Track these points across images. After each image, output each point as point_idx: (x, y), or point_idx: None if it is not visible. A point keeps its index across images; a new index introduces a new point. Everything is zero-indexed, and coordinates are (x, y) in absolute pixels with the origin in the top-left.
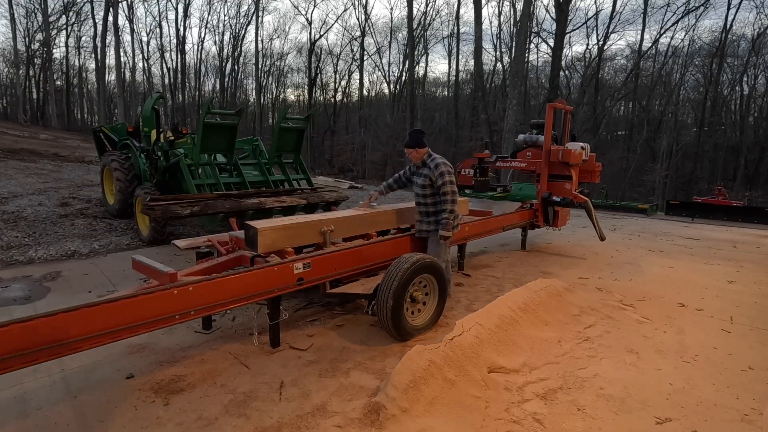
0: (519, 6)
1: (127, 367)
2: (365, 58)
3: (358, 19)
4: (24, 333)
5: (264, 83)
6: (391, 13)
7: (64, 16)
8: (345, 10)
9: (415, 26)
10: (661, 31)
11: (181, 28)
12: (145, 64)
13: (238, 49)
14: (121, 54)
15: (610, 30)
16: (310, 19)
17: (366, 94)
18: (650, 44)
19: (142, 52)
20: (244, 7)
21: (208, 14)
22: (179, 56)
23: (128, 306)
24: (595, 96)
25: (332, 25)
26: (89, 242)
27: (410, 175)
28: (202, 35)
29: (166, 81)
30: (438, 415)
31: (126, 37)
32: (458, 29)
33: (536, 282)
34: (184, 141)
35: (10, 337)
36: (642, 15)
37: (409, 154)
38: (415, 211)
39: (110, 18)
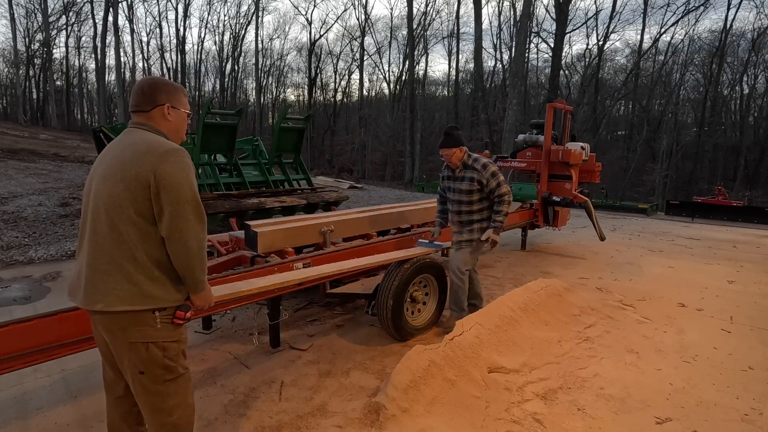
0: (519, 6)
1: None
2: (365, 58)
3: (358, 19)
4: (24, 333)
5: (264, 83)
6: (391, 13)
7: (64, 16)
8: (345, 10)
9: (415, 26)
10: (661, 31)
11: (181, 28)
12: (145, 64)
13: (238, 49)
14: (121, 54)
15: (610, 30)
16: (310, 19)
17: (366, 94)
18: (650, 44)
19: (142, 52)
20: (244, 7)
21: (208, 14)
22: (179, 56)
23: None
24: (595, 96)
25: (332, 25)
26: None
27: (446, 182)
28: (202, 35)
29: None
30: (438, 415)
31: (126, 37)
32: (458, 29)
33: (536, 282)
34: (185, 141)
35: (10, 337)
36: (642, 15)
37: (449, 156)
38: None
39: (110, 18)
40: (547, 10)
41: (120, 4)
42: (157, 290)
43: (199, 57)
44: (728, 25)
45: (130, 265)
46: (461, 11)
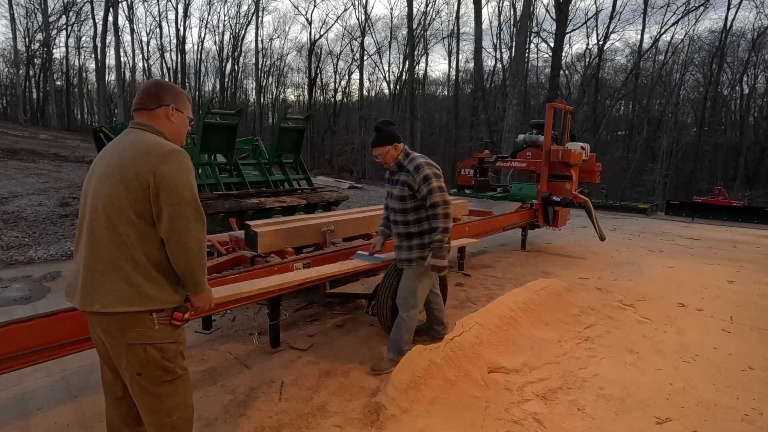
0: (519, 6)
1: None
2: (365, 58)
3: (358, 19)
4: (24, 333)
5: (264, 83)
6: (391, 13)
7: (64, 16)
8: (345, 10)
9: (415, 26)
10: (661, 31)
11: (181, 28)
12: (145, 64)
13: (238, 49)
14: (121, 54)
15: (610, 30)
16: (310, 19)
17: (366, 94)
18: (650, 44)
19: (142, 52)
20: (244, 7)
21: (208, 14)
22: (179, 56)
23: None
24: (595, 96)
25: (332, 25)
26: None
27: (386, 186)
28: (202, 35)
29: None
30: (438, 415)
31: (126, 37)
32: (458, 29)
33: (536, 282)
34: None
35: (10, 337)
36: (642, 15)
37: (382, 156)
38: None
39: (110, 18)
40: (547, 10)
41: (120, 4)
42: (155, 291)
43: (199, 57)
44: (728, 25)
45: (129, 266)
46: (461, 11)
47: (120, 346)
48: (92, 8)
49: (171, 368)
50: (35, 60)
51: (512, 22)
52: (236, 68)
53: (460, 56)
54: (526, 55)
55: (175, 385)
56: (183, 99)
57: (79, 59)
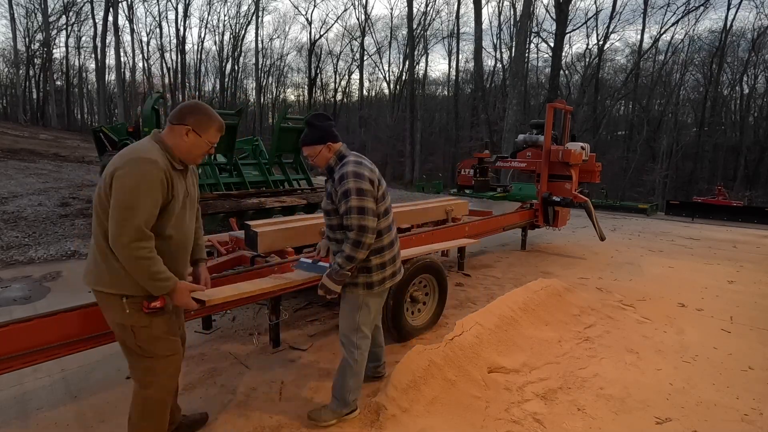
0: (519, 6)
1: (127, 368)
2: (365, 58)
3: (358, 19)
4: (24, 333)
5: (264, 83)
6: (391, 13)
7: (64, 16)
8: (345, 10)
9: (415, 26)
10: (661, 31)
11: (181, 28)
12: (145, 64)
13: (238, 49)
14: (121, 54)
15: (610, 30)
16: (310, 19)
17: (366, 94)
18: (650, 44)
19: (142, 52)
20: (244, 7)
21: (208, 14)
22: (179, 56)
23: None
24: (595, 96)
25: (332, 25)
26: (89, 242)
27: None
28: (202, 35)
29: (166, 81)
30: (438, 415)
31: (126, 37)
32: (458, 29)
33: (536, 282)
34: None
35: (10, 337)
36: (642, 15)
37: (312, 158)
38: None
39: (110, 18)
40: (547, 10)
41: (120, 4)
42: (118, 279)
43: (199, 57)
44: (728, 25)
45: (100, 254)
46: (461, 11)
47: (107, 317)
48: (92, 8)
49: (146, 349)
50: (35, 60)
51: (512, 22)
52: (236, 68)
53: (460, 56)
54: (526, 55)
55: (152, 362)
56: (206, 125)
57: (79, 59)
